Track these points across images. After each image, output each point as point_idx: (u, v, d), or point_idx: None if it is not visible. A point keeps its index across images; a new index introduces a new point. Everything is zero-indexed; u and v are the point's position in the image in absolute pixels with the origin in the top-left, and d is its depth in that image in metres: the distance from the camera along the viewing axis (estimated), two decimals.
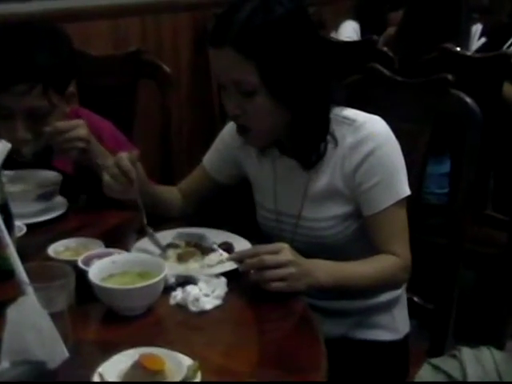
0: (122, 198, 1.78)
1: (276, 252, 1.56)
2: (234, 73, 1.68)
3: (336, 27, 4.47)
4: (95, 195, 1.92)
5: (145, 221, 1.76)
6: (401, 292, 1.95)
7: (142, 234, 1.77)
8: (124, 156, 1.74)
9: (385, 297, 1.90)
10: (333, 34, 4.31)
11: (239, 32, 1.64)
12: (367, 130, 1.75)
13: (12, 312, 1.16)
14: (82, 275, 1.47)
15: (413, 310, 2.05)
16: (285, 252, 1.57)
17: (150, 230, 1.76)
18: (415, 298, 2.11)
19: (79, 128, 1.93)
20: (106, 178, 1.74)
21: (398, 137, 1.78)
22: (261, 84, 1.66)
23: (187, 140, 4.10)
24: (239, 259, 1.60)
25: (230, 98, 1.72)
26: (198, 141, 4.09)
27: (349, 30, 4.21)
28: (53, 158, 2.12)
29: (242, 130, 1.79)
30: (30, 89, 1.98)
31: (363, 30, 4.40)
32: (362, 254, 1.75)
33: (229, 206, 2.79)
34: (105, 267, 1.54)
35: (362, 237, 1.80)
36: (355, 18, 4.44)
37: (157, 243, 1.74)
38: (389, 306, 1.93)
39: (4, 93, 1.98)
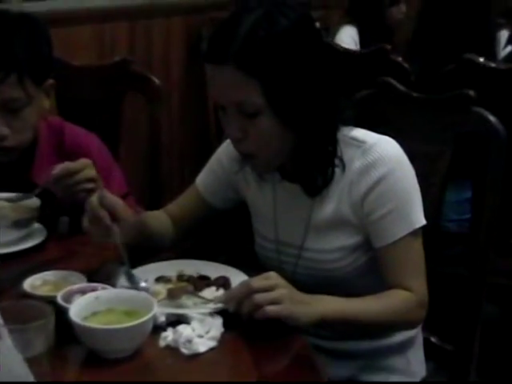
0: (104, 241, 1.79)
1: (264, 278, 1.59)
2: (235, 93, 1.68)
3: (334, 33, 4.49)
4: (78, 218, 1.94)
5: (126, 260, 1.76)
6: (416, 332, 1.96)
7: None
8: (94, 200, 1.75)
9: (398, 337, 1.91)
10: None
11: (241, 47, 1.64)
12: (378, 153, 1.76)
13: None
14: (61, 313, 1.48)
15: (430, 351, 2.05)
16: (273, 276, 1.59)
17: (127, 269, 1.76)
18: (432, 339, 2.11)
19: (88, 168, 1.94)
20: (85, 223, 1.75)
21: (413, 160, 1.80)
22: (265, 104, 1.67)
23: (178, 159, 4.12)
24: (228, 300, 1.61)
25: (230, 121, 1.73)
26: (191, 160, 4.13)
27: (346, 40, 4.22)
28: (33, 167, 2.16)
29: (244, 156, 1.81)
30: (4, 77, 2.02)
31: (362, 33, 4.43)
32: (371, 290, 1.75)
33: (224, 233, 2.81)
34: (87, 304, 1.54)
35: (372, 271, 1.81)
36: (351, 20, 4.46)
37: (132, 282, 1.73)
38: (403, 347, 1.94)
39: None
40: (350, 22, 4.45)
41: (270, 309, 1.53)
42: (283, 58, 1.66)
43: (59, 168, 1.92)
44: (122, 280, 1.74)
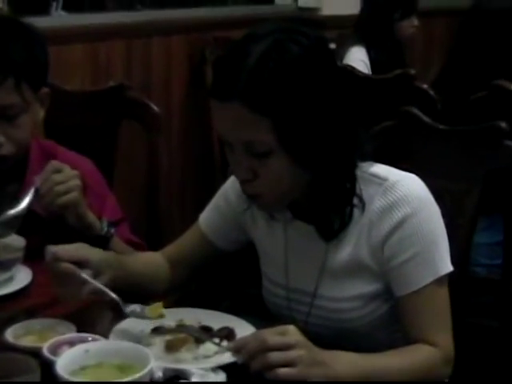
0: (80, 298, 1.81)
1: (281, 333, 1.57)
2: (244, 132, 1.69)
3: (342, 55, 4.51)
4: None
5: (117, 300, 1.76)
6: None
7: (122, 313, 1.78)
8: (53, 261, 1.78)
9: None
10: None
11: (249, 82, 1.65)
12: (401, 192, 1.77)
13: None
14: (47, 367, 1.48)
15: None
16: (291, 332, 1.58)
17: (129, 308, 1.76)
18: None
19: (76, 178, 2.03)
20: (53, 288, 1.80)
21: (438, 199, 1.80)
22: (276, 143, 1.68)
23: (178, 189, 4.12)
24: (237, 349, 1.60)
25: (237, 160, 1.74)
26: (191, 191, 4.14)
27: (355, 65, 4.23)
28: (22, 188, 2.18)
29: (252, 197, 1.81)
30: (1, 82, 2.11)
31: (371, 51, 4.46)
32: (391, 343, 1.76)
33: (228, 275, 2.81)
34: (76, 357, 1.53)
35: (392, 322, 1.81)
36: (359, 39, 4.49)
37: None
38: None
39: None
40: (358, 41, 4.48)
41: (284, 372, 1.53)
42: (295, 90, 1.66)
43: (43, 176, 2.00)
44: (121, 326, 1.76)
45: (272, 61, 1.66)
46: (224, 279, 2.67)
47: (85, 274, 1.76)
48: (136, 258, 2.05)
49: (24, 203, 2.00)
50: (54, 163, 2.04)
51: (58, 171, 2.01)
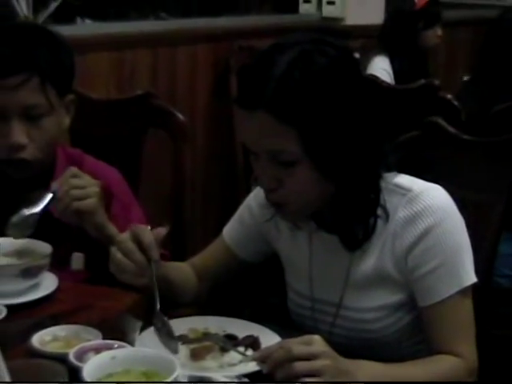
0: (134, 282, 1.81)
1: (307, 343, 1.58)
2: (270, 142, 1.70)
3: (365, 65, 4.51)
4: (96, 256, 1.97)
5: (158, 307, 1.77)
6: None
7: (150, 322, 1.79)
8: (147, 230, 1.78)
9: None
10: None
11: (275, 92, 1.65)
12: (425, 202, 1.77)
13: None
14: (73, 373, 1.49)
15: None
16: (317, 342, 1.58)
17: (163, 320, 1.77)
18: None
19: (95, 186, 2.03)
20: (118, 255, 1.78)
21: (463, 209, 1.81)
22: (302, 153, 1.68)
23: (202, 199, 4.13)
24: (263, 358, 1.60)
25: (263, 169, 1.75)
26: (216, 200, 4.14)
27: (379, 75, 4.23)
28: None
29: (276, 205, 1.82)
30: (26, 80, 2.10)
31: (394, 60, 4.45)
32: (414, 353, 1.77)
33: (250, 285, 2.81)
34: (102, 364, 1.54)
35: (416, 333, 1.82)
36: (382, 48, 4.49)
37: (168, 337, 1.75)
38: None
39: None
40: (381, 51, 4.47)
41: (310, 381, 1.53)
42: (321, 100, 1.67)
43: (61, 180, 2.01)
44: (147, 334, 1.76)
45: (298, 71, 1.67)
46: (246, 288, 2.67)
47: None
48: (170, 264, 2.05)
49: (39, 206, 2.00)
50: (73, 169, 2.04)
51: (77, 176, 2.02)
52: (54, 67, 2.16)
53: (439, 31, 4.62)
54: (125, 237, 1.79)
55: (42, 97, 2.14)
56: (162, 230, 1.82)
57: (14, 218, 2.00)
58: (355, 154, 1.74)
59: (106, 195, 2.13)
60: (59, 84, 2.19)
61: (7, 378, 1.29)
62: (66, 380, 1.34)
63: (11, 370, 1.31)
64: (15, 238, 2.04)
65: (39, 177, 2.22)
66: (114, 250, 1.78)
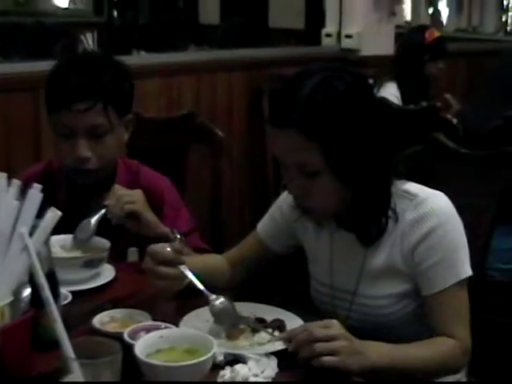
0: (180, 288, 1.81)
1: (326, 326, 1.59)
2: (297, 155, 1.71)
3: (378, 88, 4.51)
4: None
5: (207, 293, 1.77)
6: (460, 376, 1.93)
7: (190, 305, 1.79)
8: (161, 247, 1.77)
9: (443, 380, 1.88)
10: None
11: (303, 113, 1.67)
12: (429, 207, 1.77)
13: None
14: (128, 349, 1.49)
15: None
16: (335, 326, 1.59)
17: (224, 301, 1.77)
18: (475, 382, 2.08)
19: (139, 194, 2.07)
20: (158, 283, 1.78)
21: (461, 212, 1.79)
22: (325, 165, 1.69)
23: (238, 205, 4.13)
24: (289, 339, 1.60)
25: (291, 179, 1.76)
26: (250, 209, 4.14)
27: (389, 96, 4.22)
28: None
29: (303, 209, 1.83)
30: (92, 106, 2.14)
31: (402, 86, 4.44)
32: (419, 334, 1.75)
33: (279, 275, 2.81)
34: (152, 342, 1.55)
35: (420, 317, 1.81)
36: (392, 76, 4.48)
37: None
38: None
39: (67, 111, 2.13)
40: (391, 78, 4.47)
41: (327, 360, 1.54)
42: (341, 120, 1.68)
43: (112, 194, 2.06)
44: (188, 317, 1.76)
45: (320, 95, 1.68)
46: (274, 278, 2.66)
47: (183, 268, 1.77)
48: (198, 258, 2.05)
49: (95, 217, 2.05)
50: (117, 186, 2.09)
51: (121, 189, 2.07)
52: (116, 93, 2.20)
53: (441, 64, 4.60)
54: (148, 262, 1.77)
55: (105, 118, 2.17)
56: (177, 242, 1.85)
57: (77, 230, 2.05)
58: (370, 164, 1.75)
59: (158, 200, 2.16)
60: (119, 107, 2.22)
61: (71, 353, 1.30)
62: (120, 356, 1.33)
63: (74, 346, 1.31)
64: (79, 246, 2.07)
65: (103, 183, 2.24)
66: (152, 280, 1.78)
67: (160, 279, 1.76)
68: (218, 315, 1.74)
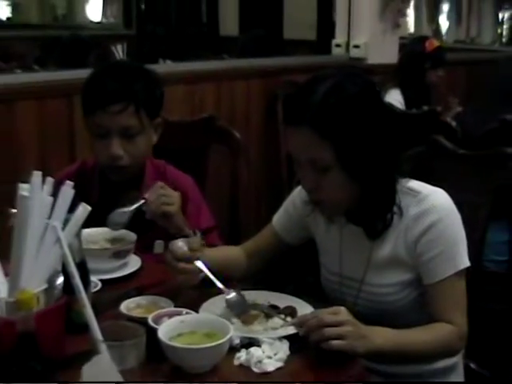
0: (192, 283, 1.84)
1: (335, 313, 1.58)
2: (310, 151, 1.70)
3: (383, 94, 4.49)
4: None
5: (221, 286, 1.78)
6: (457, 359, 1.91)
7: (209, 293, 1.79)
8: (179, 245, 1.78)
9: (441, 363, 1.86)
10: None
11: (316, 113, 1.66)
12: (430, 203, 1.76)
13: (87, 370, 1.18)
14: (151, 333, 1.49)
15: (470, 377, 2.01)
16: (343, 313, 1.59)
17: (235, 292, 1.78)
18: (472, 365, 2.07)
19: (177, 197, 2.03)
20: (180, 277, 1.81)
21: (459, 207, 1.78)
22: (335, 161, 1.68)
23: (255, 204, 4.13)
24: (300, 324, 1.60)
25: (304, 174, 1.75)
26: (266, 205, 4.13)
27: (393, 101, 4.21)
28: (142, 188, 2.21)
29: (316, 203, 1.82)
30: (125, 108, 2.16)
31: (405, 92, 4.43)
32: (421, 320, 1.74)
33: (292, 266, 2.80)
34: (174, 326, 1.55)
35: (422, 305, 1.79)
36: (396, 83, 4.46)
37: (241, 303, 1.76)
38: (445, 372, 1.89)
39: (102, 112, 2.15)
40: (394, 84, 4.46)
41: (335, 343, 1.53)
42: (352, 120, 1.67)
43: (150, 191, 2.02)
44: (208, 304, 1.76)
45: (332, 97, 1.68)
46: (289, 269, 2.65)
47: (199, 264, 1.78)
48: (218, 250, 2.05)
49: (133, 207, 2.01)
50: (160, 183, 2.05)
51: (164, 188, 2.03)
52: (147, 97, 2.22)
53: (441, 72, 4.58)
54: (169, 258, 1.78)
55: (137, 120, 2.18)
56: (196, 238, 1.84)
57: (113, 215, 2.02)
58: (377, 163, 1.74)
59: (183, 198, 2.13)
60: (150, 110, 2.24)
61: (99, 336, 1.30)
62: (144, 339, 1.33)
63: (102, 330, 1.31)
64: (113, 230, 2.06)
65: (132, 181, 2.27)
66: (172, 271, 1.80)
67: (178, 273, 1.79)
68: (231, 305, 1.74)
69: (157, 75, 2.34)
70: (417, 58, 4.52)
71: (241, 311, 1.73)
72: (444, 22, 8.27)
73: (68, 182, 1.57)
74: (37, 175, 1.50)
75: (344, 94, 1.69)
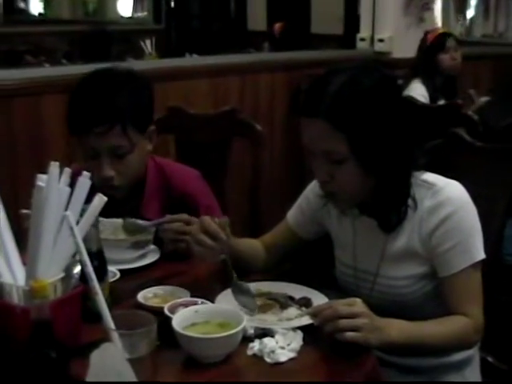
0: (212, 260, 1.83)
1: (350, 304, 1.56)
2: (324, 143, 1.68)
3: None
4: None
5: (235, 276, 1.76)
6: (473, 352, 1.89)
7: (226, 284, 1.78)
8: (211, 220, 1.78)
9: (457, 356, 1.84)
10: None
11: (331, 105, 1.64)
12: (445, 195, 1.73)
13: (95, 356, 1.18)
14: (167, 322, 1.49)
15: (486, 370, 1.98)
16: (358, 304, 1.57)
17: (242, 285, 1.75)
18: (489, 358, 2.04)
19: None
20: (194, 246, 1.78)
21: (476, 201, 1.75)
22: (350, 154, 1.66)
23: (280, 192, 4.11)
24: (315, 314, 1.59)
25: (318, 165, 1.73)
26: (290, 194, 4.12)
27: (414, 94, 4.17)
28: (142, 202, 2.17)
29: (329, 195, 1.80)
30: (110, 129, 2.02)
31: (426, 84, 4.40)
32: (436, 313, 1.72)
33: (310, 259, 2.79)
34: (188, 316, 1.55)
35: (437, 296, 1.77)
36: (414, 75, 4.44)
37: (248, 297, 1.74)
38: (461, 365, 1.87)
39: (88, 134, 2.02)
40: (416, 78, 4.43)
41: (350, 335, 1.51)
42: (367, 113, 1.65)
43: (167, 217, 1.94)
44: (223, 294, 1.75)
45: (348, 89, 1.66)
46: (313, 262, 2.65)
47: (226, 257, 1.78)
48: (241, 239, 2.03)
49: (149, 224, 1.99)
50: (185, 216, 1.89)
51: (179, 221, 1.90)
52: (134, 112, 2.07)
53: (454, 54, 4.54)
54: (195, 229, 1.78)
55: (125, 139, 2.05)
56: (224, 219, 1.81)
57: (136, 222, 2.01)
58: (392, 155, 1.71)
59: (192, 205, 2.11)
60: (139, 125, 2.10)
61: (111, 325, 1.30)
62: (155, 328, 1.33)
63: (115, 318, 1.32)
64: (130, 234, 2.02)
65: (135, 185, 2.17)
66: (190, 240, 1.79)
67: (198, 244, 1.77)
68: (235, 293, 1.74)
69: (143, 79, 2.18)
70: (424, 52, 4.53)
71: (244, 302, 1.71)
72: (472, 17, 8.20)
73: (85, 172, 1.57)
74: (54, 166, 1.51)
75: (359, 87, 1.67)
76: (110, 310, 1.35)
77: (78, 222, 1.50)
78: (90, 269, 1.36)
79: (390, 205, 1.78)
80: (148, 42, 5.45)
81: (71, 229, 1.39)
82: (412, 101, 3.55)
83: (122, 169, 2.08)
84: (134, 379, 1.19)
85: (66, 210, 1.48)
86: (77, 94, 2.10)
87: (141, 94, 2.13)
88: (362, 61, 1.86)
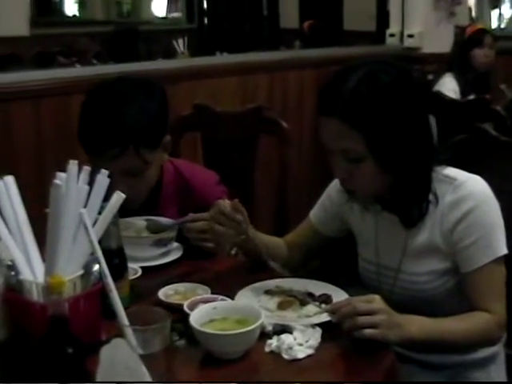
0: (233, 241, 1.83)
1: (369, 301, 1.55)
2: (342, 142, 1.67)
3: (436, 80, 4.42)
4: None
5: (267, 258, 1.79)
6: (498, 349, 1.86)
7: (246, 281, 1.78)
8: (226, 203, 1.79)
9: (480, 353, 1.82)
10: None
11: (347, 103, 1.62)
12: (467, 189, 1.71)
13: (105, 352, 1.19)
14: (187, 318, 1.50)
15: None
16: (377, 301, 1.55)
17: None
18: None
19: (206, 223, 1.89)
20: (216, 226, 1.79)
21: (500, 195, 1.73)
22: (367, 152, 1.65)
23: (306, 192, 4.10)
24: (333, 310, 1.58)
25: (337, 163, 1.72)
26: (315, 192, 4.10)
27: (446, 92, 4.13)
28: (159, 204, 2.16)
29: (348, 191, 1.79)
30: (122, 151, 1.96)
31: (459, 79, 4.37)
32: (458, 309, 1.70)
33: (337, 257, 2.77)
34: (206, 312, 1.55)
35: (459, 292, 1.75)
36: (448, 69, 4.40)
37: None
38: (485, 363, 1.84)
39: (100, 156, 1.97)
40: (449, 73, 4.40)
41: (368, 332, 1.50)
42: (384, 111, 1.63)
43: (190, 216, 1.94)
44: (243, 291, 1.75)
45: (365, 86, 1.64)
46: (340, 260, 2.63)
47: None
48: (264, 235, 2.02)
49: (173, 223, 2.01)
50: (207, 215, 1.86)
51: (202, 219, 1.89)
52: (146, 131, 1.99)
53: (487, 51, 4.50)
54: (214, 211, 1.80)
55: (138, 159, 1.99)
56: (236, 201, 1.81)
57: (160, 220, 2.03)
58: (410, 153, 1.69)
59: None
60: (151, 143, 2.03)
61: (125, 321, 1.30)
62: (168, 324, 1.33)
63: (129, 314, 1.33)
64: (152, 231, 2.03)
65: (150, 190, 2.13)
66: (211, 223, 1.80)
67: (217, 223, 1.79)
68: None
69: (154, 85, 2.09)
70: (460, 45, 4.50)
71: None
72: (507, 11, 8.12)
73: (103, 170, 1.58)
74: (73, 164, 1.51)
75: (376, 84, 1.65)
76: (130, 307, 1.36)
77: (96, 220, 1.51)
78: (104, 265, 1.37)
79: (410, 200, 1.76)
80: (180, 41, 5.48)
81: (85, 226, 1.39)
82: (440, 96, 3.51)
83: (136, 185, 2.03)
84: (146, 375, 1.19)
85: (84, 207, 1.49)
86: (86, 113, 2.04)
87: (152, 104, 2.04)
88: (378, 56, 1.83)
